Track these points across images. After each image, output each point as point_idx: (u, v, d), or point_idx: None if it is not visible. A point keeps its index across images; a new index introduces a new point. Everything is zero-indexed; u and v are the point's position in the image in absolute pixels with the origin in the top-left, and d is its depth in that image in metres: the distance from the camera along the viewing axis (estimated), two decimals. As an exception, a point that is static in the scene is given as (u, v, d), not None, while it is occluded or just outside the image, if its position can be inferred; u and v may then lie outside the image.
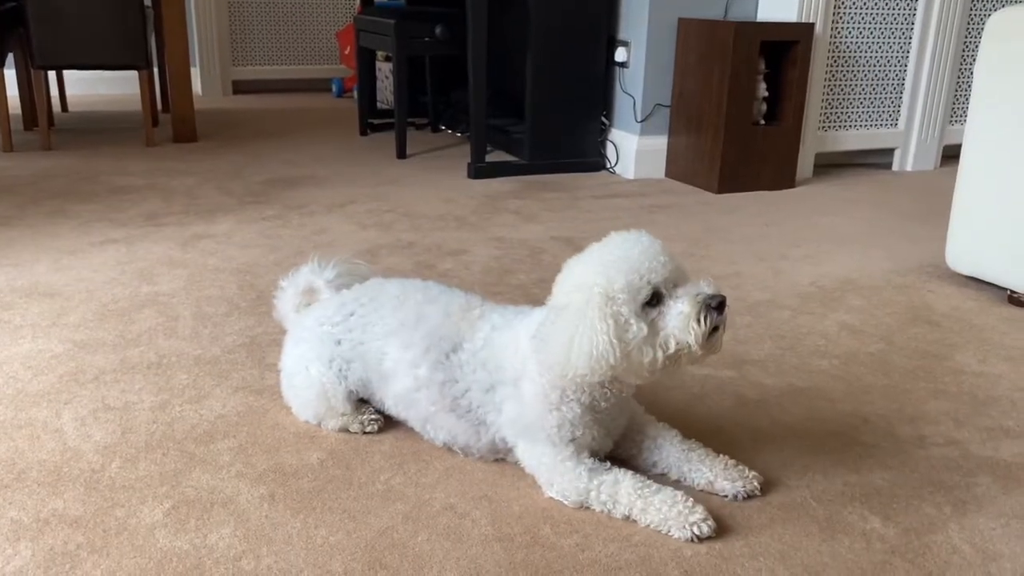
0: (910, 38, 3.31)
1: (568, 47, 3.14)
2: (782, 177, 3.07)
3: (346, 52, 5.10)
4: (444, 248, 2.31)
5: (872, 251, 2.33)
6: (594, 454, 1.21)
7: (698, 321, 1.07)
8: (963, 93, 3.49)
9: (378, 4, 4.22)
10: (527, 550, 1.09)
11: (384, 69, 4.45)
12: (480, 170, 3.15)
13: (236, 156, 3.42)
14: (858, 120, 3.35)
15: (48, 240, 2.29)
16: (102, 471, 1.23)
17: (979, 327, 1.86)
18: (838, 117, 3.31)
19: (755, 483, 1.20)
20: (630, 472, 1.17)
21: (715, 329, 1.09)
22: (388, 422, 1.37)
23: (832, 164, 3.47)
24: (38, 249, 2.21)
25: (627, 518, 1.14)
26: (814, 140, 3.26)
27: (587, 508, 1.16)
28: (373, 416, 1.36)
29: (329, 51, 5.46)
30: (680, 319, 1.08)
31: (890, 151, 3.48)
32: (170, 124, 3.68)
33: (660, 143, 3.20)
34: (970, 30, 3.40)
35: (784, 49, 2.99)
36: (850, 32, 3.21)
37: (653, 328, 1.08)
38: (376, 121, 4.07)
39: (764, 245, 2.39)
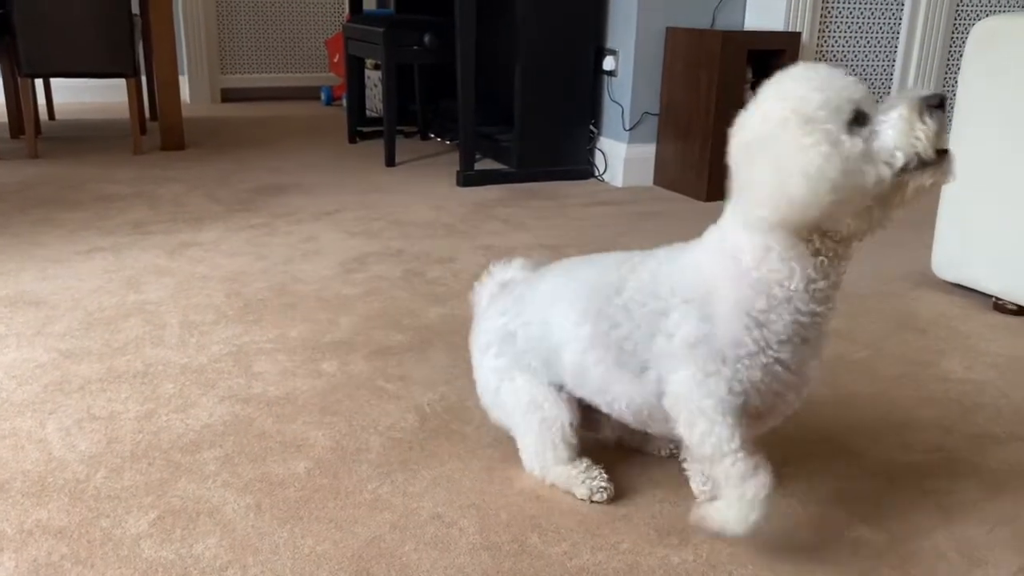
0: (896, 47, 3.34)
1: (556, 55, 3.15)
2: (770, 185, 3.07)
3: (335, 60, 5.10)
4: (433, 256, 2.31)
5: (858, 258, 2.33)
6: (760, 417, 1.05)
7: (923, 122, 0.90)
8: (949, 101, 3.51)
9: (367, 12, 4.22)
10: (515, 559, 1.09)
11: (373, 77, 4.46)
12: (469, 178, 3.15)
13: (224, 164, 3.41)
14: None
15: (34, 248, 2.28)
16: (87, 481, 1.23)
17: (965, 334, 1.87)
18: (825, 125, 3.32)
19: None
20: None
21: (944, 151, 0.93)
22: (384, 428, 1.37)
23: (819, 172, 3.48)
24: (24, 257, 2.20)
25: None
26: (801, 148, 3.27)
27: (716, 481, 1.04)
28: (603, 484, 1.20)
29: (318, 59, 5.46)
30: (901, 124, 0.91)
31: (877, 159, 3.50)
32: (158, 132, 3.67)
33: (648, 151, 3.21)
34: (954, 39, 3.43)
35: (771, 58, 3.00)
36: (836, 41, 3.23)
37: (870, 148, 0.91)
38: (365, 129, 4.07)
39: (752, 253, 2.40)
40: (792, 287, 0.98)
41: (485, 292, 1.36)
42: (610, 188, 3.19)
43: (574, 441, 1.20)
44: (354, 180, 3.20)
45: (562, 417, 1.19)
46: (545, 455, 1.21)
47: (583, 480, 1.20)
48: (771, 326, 0.99)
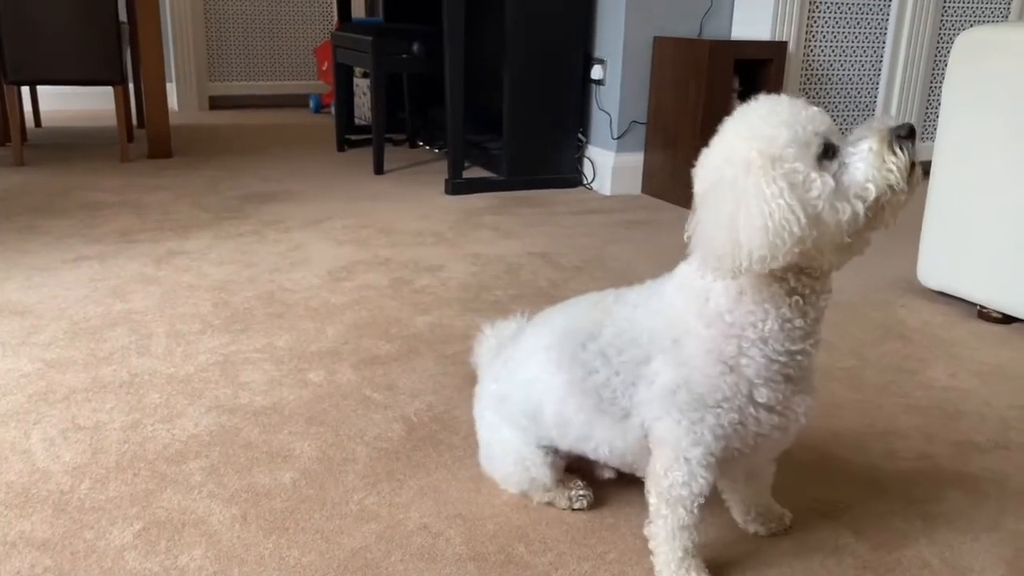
0: (881, 57, 3.36)
1: (545, 64, 3.16)
2: (757, 193, 3.09)
3: (324, 68, 5.10)
4: (421, 264, 2.31)
5: (845, 267, 2.35)
6: (757, 451, 1.02)
7: (893, 153, 0.88)
8: (934, 111, 3.55)
9: (356, 21, 4.23)
10: (501, 569, 1.09)
11: (362, 85, 4.46)
12: (457, 186, 3.15)
13: (212, 172, 3.41)
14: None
15: (19, 256, 2.27)
16: (71, 492, 1.22)
17: (949, 342, 1.89)
18: (811, 134, 3.34)
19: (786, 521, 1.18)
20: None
21: (912, 165, 0.90)
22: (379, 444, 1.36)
23: (806, 180, 3.50)
24: (9, 266, 2.19)
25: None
26: (788, 157, 3.29)
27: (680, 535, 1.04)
28: (582, 492, 1.21)
29: (307, 67, 5.46)
30: (871, 158, 0.89)
31: (863, 168, 3.52)
32: (145, 140, 3.66)
33: (636, 160, 3.22)
34: (939, 49, 3.46)
35: (758, 67, 3.02)
36: (823, 50, 3.25)
37: (839, 182, 0.88)
38: (354, 137, 4.06)
39: (739, 261, 2.41)
40: (766, 329, 0.95)
41: (485, 351, 1.35)
42: (598, 196, 3.20)
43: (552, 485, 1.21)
44: (342, 188, 3.20)
45: (544, 479, 1.19)
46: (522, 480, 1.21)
47: (562, 492, 1.21)
48: (744, 370, 0.97)
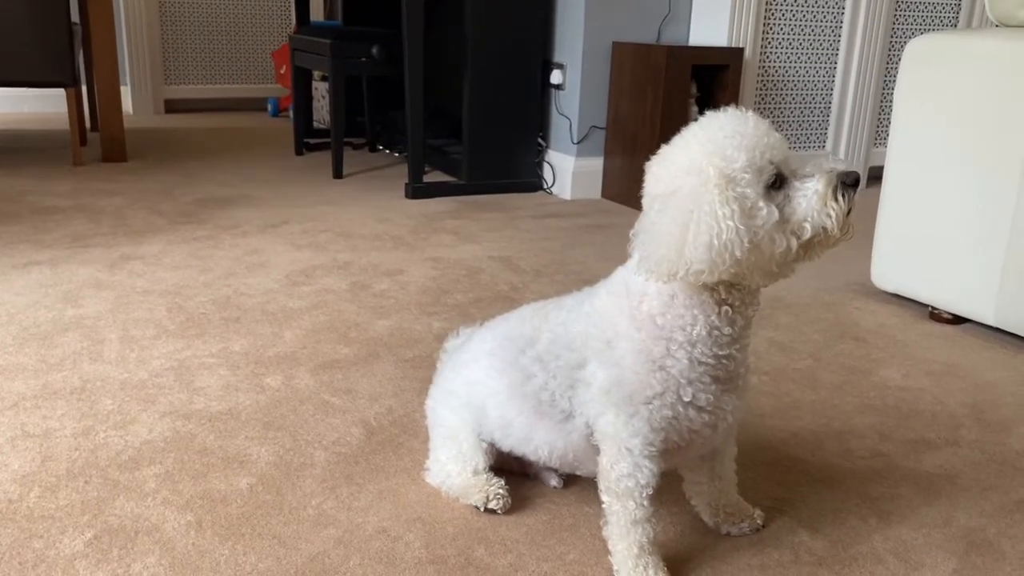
0: (835, 63, 3.42)
1: (504, 69, 3.17)
2: (715, 197, 3.13)
3: (282, 71, 5.06)
4: (380, 268, 2.29)
5: (800, 270, 2.38)
6: (695, 448, 1.07)
7: (836, 199, 0.93)
8: (886, 117, 3.62)
9: (314, 24, 4.19)
10: (461, 571, 1.08)
11: (321, 88, 4.43)
12: (418, 190, 3.14)
13: (167, 176, 3.35)
14: (787, 143, 3.44)
15: (-33, 262, 2.21)
16: (19, 501, 1.19)
17: (903, 343, 1.92)
18: (768, 139, 3.39)
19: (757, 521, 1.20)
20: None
21: (848, 212, 0.94)
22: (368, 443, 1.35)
23: (763, 185, 3.55)
24: (-44, 271, 2.13)
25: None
26: (745, 161, 3.33)
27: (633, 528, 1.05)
28: (500, 491, 1.20)
29: (264, 70, 5.40)
30: (814, 199, 0.93)
31: (818, 172, 3.57)
32: (99, 144, 3.59)
33: (596, 164, 3.24)
34: (891, 56, 3.53)
35: (715, 73, 3.06)
36: (778, 57, 3.30)
37: (782, 214, 0.93)
38: (312, 141, 4.03)
39: (697, 264, 2.43)
40: (694, 334, 0.99)
41: (449, 349, 1.37)
42: (558, 201, 3.21)
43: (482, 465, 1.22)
44: (301, 192, 3.17)
45: (476, 460, 1.21)
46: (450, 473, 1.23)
47: (480, 488, 1.20)
48: (670, 369, 1.00)
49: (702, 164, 0.92)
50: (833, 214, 0.93)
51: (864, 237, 2.19)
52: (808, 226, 0.93)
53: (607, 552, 1.09)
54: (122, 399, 1.50)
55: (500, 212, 2.99)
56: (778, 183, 0.94)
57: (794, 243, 0.94)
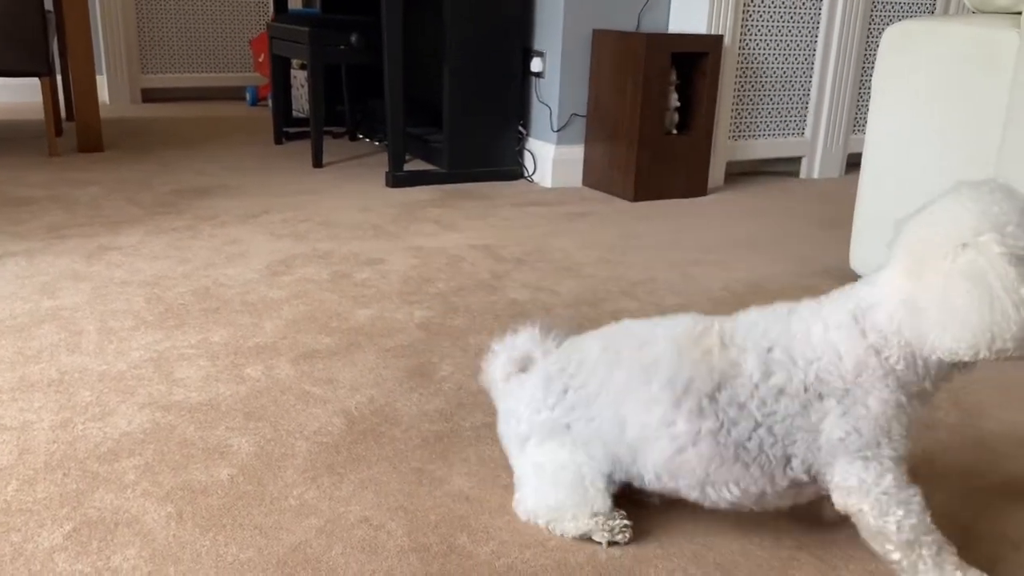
0: (814, 50, 3.43)
1: (484, 56, 3.15)
2: (695, 185, 3.14)
3: (260, 60, 5.01)
4: (361, 257, 2.28)
5: (780, 255, 2.40)
6: None
7: None
8: (865, 103, 3.63)
9: (292, 12, 4.16)
10: (443, 559, 1.08)
11: (300, 77, 4.39)
12: (398, 179, 3.13)
13: (145, 166, 3.32)
14: (767, 130, 3.45)
15: (-60, 254, 2.18)
16: (-3, 495, 1.18)
17: (881, 328, 1.93)
18: (747, 127, 3.40)
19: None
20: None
21: None
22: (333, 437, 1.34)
23: (743, 172, 3.56)
24: (-71, 264, 2.11)
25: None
26: (725, 149, 3.34)
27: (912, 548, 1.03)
28: (625, 523, 1.12)
29: (242, 59, 5.35)
30: None
31: (797, 159, 3.59)
32: (74, 133, 3.55)
33: (577, 152, 3.23)
34: (869, 43, 3.55)
35: (695, 60, 3.06)
36: (757, 44, 3.30)
37: None
38: (292, 130, 4.00)
39: (677, 251, 2.44)
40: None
41: (497, 370, 1.25)
42: (540, 189, 3.20)
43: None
44: (281, 182, 3.15)
45: (603, 507, 1.12)
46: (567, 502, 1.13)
47: (601, 525, 1.12)
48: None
49: (996, 246, 0.93)
50: None
51: (844, 222, 2.20)
52: None
53: (586, 539, 1.09)
54: (100, 391, 1.49)
55: (481, 200, 2.98)
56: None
57: None
